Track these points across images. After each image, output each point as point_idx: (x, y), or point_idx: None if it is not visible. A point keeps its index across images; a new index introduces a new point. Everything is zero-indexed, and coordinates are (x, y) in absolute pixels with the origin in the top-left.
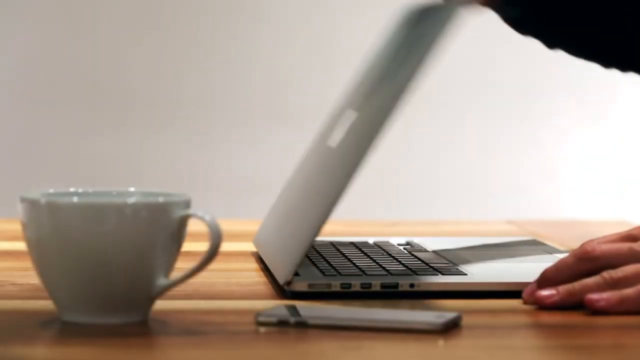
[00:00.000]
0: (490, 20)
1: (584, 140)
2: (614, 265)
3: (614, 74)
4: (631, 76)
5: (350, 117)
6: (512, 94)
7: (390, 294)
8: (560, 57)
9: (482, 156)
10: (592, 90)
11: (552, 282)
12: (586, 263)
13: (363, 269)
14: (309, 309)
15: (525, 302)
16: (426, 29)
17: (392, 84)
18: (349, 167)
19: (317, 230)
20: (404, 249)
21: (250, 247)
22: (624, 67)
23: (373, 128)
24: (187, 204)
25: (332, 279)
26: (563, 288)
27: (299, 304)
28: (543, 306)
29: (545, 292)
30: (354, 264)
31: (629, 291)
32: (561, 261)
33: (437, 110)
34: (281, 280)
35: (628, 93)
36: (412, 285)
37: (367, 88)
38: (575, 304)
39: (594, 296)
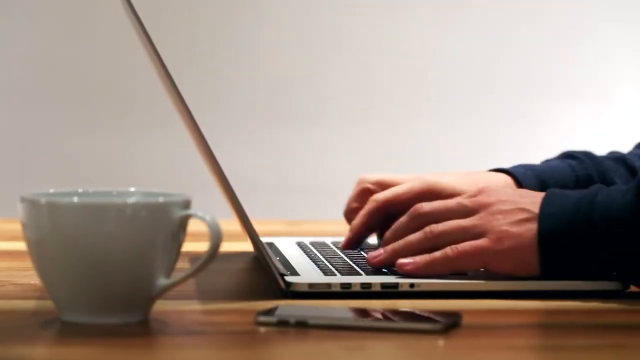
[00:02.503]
0: (490, 21)
1: (583, 140)
2: (443, 220)
3: (614, 74)
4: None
5: None
6: (512, 94)
7: (390, 294)
8: (560, 58)
9: (482, 156)
10: (591, 91)
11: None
12: (417, 220)
13: (363, 269)
14: (309, 308)
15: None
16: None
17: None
18: None
19: None
20: None
21: (250, 247)
22: None
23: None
24: (187, 204)
25: (332, 279)
26: (389, 247)
27: (299, 303)
28: (374, 266)
29: (373, 253)
30: (354, 264)
31: (437, 254)
32: (398, 222)
33: (437, 110)
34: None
35: (627, 93)
36: (412, 285)
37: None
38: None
39: (403, 260)
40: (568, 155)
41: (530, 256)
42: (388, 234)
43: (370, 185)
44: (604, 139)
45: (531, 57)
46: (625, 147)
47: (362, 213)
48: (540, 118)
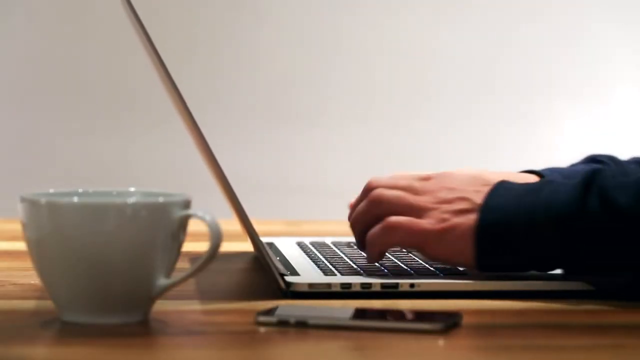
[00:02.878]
0: (490, 21)
1: (583, 140)
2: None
3: (614, 74)
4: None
5: None
6: (512, 94)
7: (390, 294)
8: (560, 58)
9: (482, 156)
10: (591, 91)
11: None
12: (367, 194)
13: (363, 269)
14: (309, 308)
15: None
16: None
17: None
18: None
19: None
20: (404, 249)
21: (250, 247)
22: None
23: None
24: (187, 204)
25: (332, 279)
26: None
27: (299, 303)
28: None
29: None
30: (354, 264)
31: (374, 229)
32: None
33: (437, 110)
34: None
35: (627, 93)
36: (412, 286)
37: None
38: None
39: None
40: (593, 159)
41: (465, 246)
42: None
43: None
44: (603, 139)
45: (531, 57)
46: (624, 147)
47: None
48: (540, 118)
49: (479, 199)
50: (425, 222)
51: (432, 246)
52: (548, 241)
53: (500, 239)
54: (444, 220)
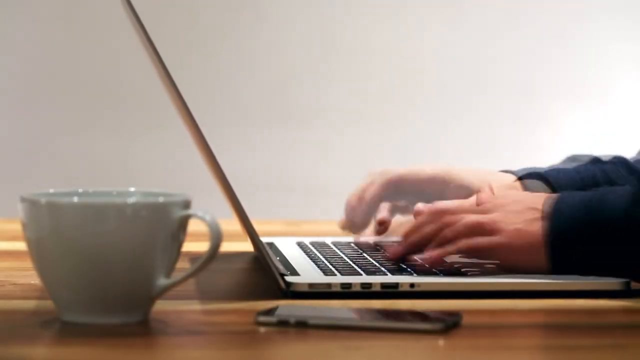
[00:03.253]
0: (490, 21)
1: (582, 140)
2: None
3: (613, 74)
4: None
5: None
6: (511, 94)
7: (390, 294)
8: (560, 58)
9: (482, 156)
10: (591, 91)
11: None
12: (434, 215)
13: (363, 269)
14: (309, 308)
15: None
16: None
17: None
18: None
19: None
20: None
21: (250, 247)
22: None
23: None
24: (187, 204)
25: (332, 279)
26: (407, 240)
27: (299, 303)
28: (391, 259)
29: (391, 249)
30: (354, 264)
31: (450, 248)
32: (417, 220)
33: (437, 110)
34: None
35: (627, 93)
36: (412, 285)
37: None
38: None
39: (417, 256)
40: (573, 159)
41: (540, 252)
42: (408, 230)
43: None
44: (603, 139)
45: (531, 57)
46: (623, 147)
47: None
48: (540, 118)
49: (545, 207)
50: (500, 238)
51: (509, 256)
52: (613, 246)
53: (568, 242)
54: (518, 231)
